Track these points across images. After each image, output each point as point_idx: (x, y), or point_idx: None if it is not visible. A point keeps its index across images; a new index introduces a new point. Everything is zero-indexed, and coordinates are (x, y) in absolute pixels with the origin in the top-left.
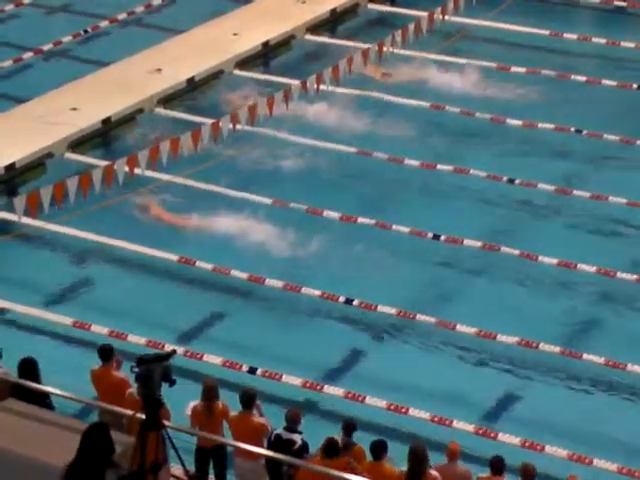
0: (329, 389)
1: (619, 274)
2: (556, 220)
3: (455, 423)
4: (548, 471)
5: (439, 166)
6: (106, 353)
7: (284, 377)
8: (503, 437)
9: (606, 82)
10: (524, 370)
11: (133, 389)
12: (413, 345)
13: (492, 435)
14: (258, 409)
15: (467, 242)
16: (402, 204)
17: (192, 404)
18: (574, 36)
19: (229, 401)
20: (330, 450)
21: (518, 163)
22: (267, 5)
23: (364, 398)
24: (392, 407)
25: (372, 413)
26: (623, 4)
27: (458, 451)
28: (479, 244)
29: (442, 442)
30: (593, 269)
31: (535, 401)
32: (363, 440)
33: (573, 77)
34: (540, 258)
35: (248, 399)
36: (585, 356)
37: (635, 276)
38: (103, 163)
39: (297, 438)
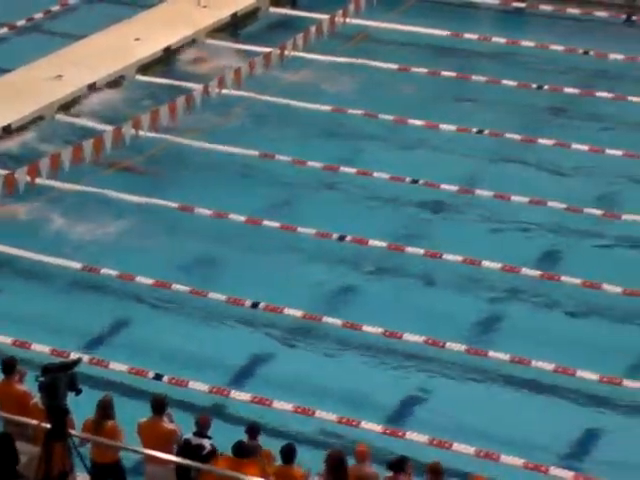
0: (236, 394)
1: (524, 270)
2: (460, 219)
3: (363, 424)
4: (456, 468)
5: (342, 168)
6: (8, 366)
7: (191, 383)
8: (411, 436)
9: (506, 82)
10: (431, 369)
11: (37, 399)
12: (320, 347)
13: (400, 434)
14: (168, 415)
15: (372, 242)
16: (307, 206)
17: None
18: (474, 36)
19: (136, 409)
20: (239, 451)
21: (421, 163)
22: (168, 10)
23: (271, 402)
24: (299, 410)
25: (279, 416)
26: (522, 5)
27: (367, 452)
28: (384, 244)
29: (350, 444)
30: (498, 266)
31: (442, 399)
32: (272, 444)
33: (474, 77)
34: (445, 256)
35: (158, 405)
36: (491, 353)
37: (539, 272)
38: (3, 172)
39: (206, 443)
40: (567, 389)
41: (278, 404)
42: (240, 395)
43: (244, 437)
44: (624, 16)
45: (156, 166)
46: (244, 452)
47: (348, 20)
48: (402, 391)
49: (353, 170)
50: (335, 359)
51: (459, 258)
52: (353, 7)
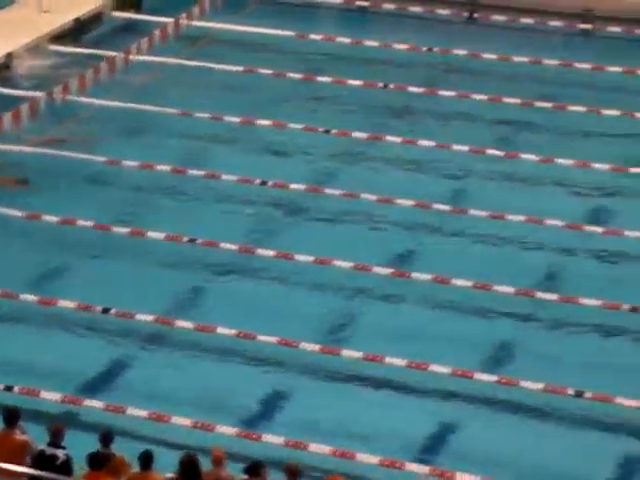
0: (89, 402)
1: (375, 269)
2: (311, 219)
3: (218, 428)
4: (313, 468)
5: (190, 171)
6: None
7: (42, 393)
8: (267, 438)
9: (352, 82)
10: (286, 369)
11: None
12: (174, 351)
13: (255, 437)
14: (20, 427)
15: (223, 245)
16: (156, 211)
17: None
18: (319, 37)
19: None
20: (94, 462)
21: (269, 164)
22: (9, 15)
23: (125, 409)
24: (154, 416)
25: (134, 424)
26: (365, 4)
27: (222, 457)
28: (235, 247)
29: (207, 448)
30: (349, 265)
31: (298, 400)
32: (128, 451)
33: (319, 78)
34: (296, 257)
35: (10, 417)
36: (344, 352)
37: (390, 270)
38: None
39: (60, 453)
40: (420, 384)
41: (133, 411)
42: (93, 403)
43: (98, 445)
44: (466, 14)
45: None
46: (99, 462)
47: (193, 23)
48: (258, 393)
49: (201, 173)
50: (189, 363)
51: (310, 258)
52: (198, 10)
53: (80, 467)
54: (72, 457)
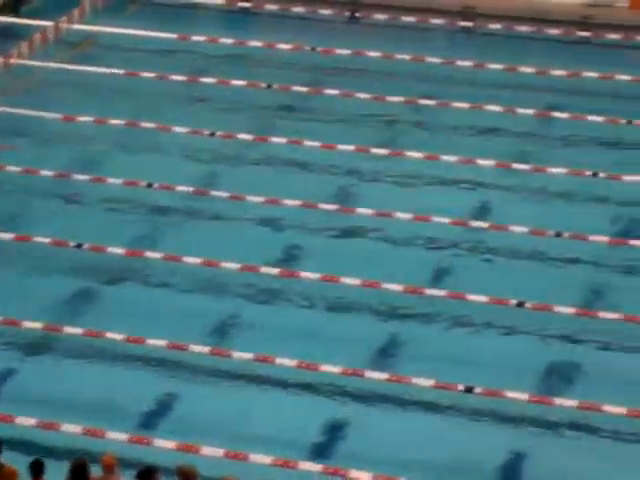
0: None
1: (263, 269)
2: (197, 221)
3: (109, 434)
4: (206, 472)
5: (75, 175)
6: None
7: None
8: (158, 442)
9: (235, 82)
10: (175, 372)
11: None
12: (64, 357)
13: (146, 442)
14: None
15: (110, 250)
16: (40, 215)
17: None
18: (202, 38)
19: None
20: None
21: (155, 167)
22: None
23: (13, 418)
24: (42, 424)
25: (24, 432)
26: (247, 5)
27: (114, 463)
28: (122, 251)
29: (97, 454)
30: (237, 266)
31: (189, 402)
32: (17, 461)
33: (203, 79)
34: (185, 259)
35: None
36: (235, 354)
37: (278, 270)
38: None
39: None
40: (314, 381)
41: (21, 419)
42: None
43: None
44: (348, 13)
45: None
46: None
47: (74, 26)
48: (148, 397)
49: (87, 177)
50: (80, 368)
51: (198, 260)
52: (78, 13)
53: None
54: None
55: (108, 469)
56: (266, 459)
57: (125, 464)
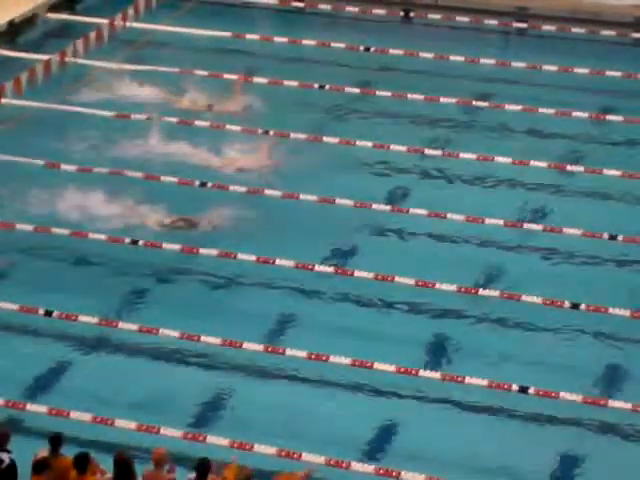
0: (32, 406)
1: (317, 267)
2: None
3: (163, 430)
4: (259, 469)
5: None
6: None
7: None
8: (212, 439)
9: (288, 83)
10: (229, 369)
11: None
12: (118, 354)
13: (201, 438)
14: None
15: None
16: None
17: None
18: (256, 37)
19: None
20: (81, 464)
21: None
22: None
23: (69, 413)
24: (98, 420)
25: (77, 427)
26: (301, 4)
27: (163, 457)
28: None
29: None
30: (291, 263)
31: (243, 400)
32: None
33: (255, 79)
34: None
35: None
36: (289, 351)
37: (332, 268)
38: None
39: (5, 457)
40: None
41: (76, 414)
42: (37, 407)
43: (43, 448)
44: (402, 13)
45: None
46: (84, 465)
47: (128, 24)
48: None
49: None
50: (134, 365)
51: (253, 257)
52: (133, 11)
53: None
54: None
55: (158, 463)
56: (319, 459)
57: (179, 460)
